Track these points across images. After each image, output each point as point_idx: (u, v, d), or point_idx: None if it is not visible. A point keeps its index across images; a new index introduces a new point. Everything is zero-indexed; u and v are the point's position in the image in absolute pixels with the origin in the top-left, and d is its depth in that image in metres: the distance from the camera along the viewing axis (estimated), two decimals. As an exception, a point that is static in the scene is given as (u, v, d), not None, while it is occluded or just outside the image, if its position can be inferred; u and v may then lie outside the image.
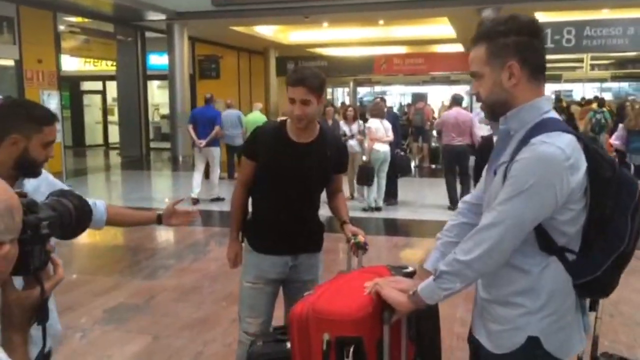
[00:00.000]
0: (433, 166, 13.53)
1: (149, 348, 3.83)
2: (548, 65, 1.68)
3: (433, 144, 13.65)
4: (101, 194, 10.47)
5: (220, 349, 3.78)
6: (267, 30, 17.65)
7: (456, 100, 8.83)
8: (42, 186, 1.92)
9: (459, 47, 18.78)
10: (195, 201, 8.89)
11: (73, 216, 1.25)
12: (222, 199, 8.98)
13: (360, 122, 9.17)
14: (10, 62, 11.91)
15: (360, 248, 2.50)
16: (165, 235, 7.20)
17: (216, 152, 9.53)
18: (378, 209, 8.30)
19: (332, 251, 6.11)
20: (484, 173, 1.85)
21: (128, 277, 5.47)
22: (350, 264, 2.67)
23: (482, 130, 8.05)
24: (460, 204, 1.92)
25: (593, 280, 1.58)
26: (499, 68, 1.59)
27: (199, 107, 11.47)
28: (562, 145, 1.50)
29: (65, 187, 1.29)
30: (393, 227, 8.02)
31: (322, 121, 8.74)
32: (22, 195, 1.03)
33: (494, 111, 1.67)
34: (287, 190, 2.54)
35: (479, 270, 1.59)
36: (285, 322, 2.45)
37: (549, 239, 1.57)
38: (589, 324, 1.73)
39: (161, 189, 12.16)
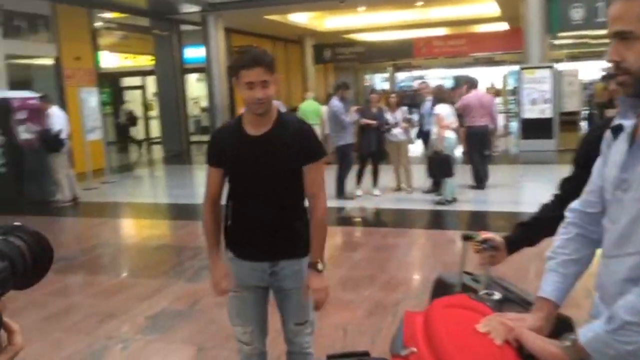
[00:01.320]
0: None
1: (193, 361, 3.58)
2: None
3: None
4: (145, 190, 10.38)
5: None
6: (301, 18, 17.29)
7: (473, 83, 9.00)
8: None
9: (504, 26, 18.02)
10: None
11: (27, 259, 0.93)
12: None
13: (404, 108, 8.75)
14: (49, 61, 11.93)
15: (484, 249, 1.97)
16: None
17: None
18: (454, 200, 7.80)
19: (390, 247, 5.81)
20: (594, 171, 1.47)
21: (172, 279, 5.24)
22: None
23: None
24: (568, 214, 1.54)
25: None
26: None
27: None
28: None
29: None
30: (476, 220, 7.30)
31: (365, 108, 8.42)
32: None
33: None
34: (252, 189, 2.34)
35: None
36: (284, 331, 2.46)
37: None
38: None
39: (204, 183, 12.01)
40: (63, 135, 8.72)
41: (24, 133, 9.01)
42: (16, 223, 0.99)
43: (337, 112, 8.20)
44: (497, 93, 21.91)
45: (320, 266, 2.34)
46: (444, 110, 7.65)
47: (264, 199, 2.33)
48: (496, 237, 2.01)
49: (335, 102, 8.35)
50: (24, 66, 12.13)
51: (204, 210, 2.44)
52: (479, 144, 8.58)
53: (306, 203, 2.43)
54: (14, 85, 10.28)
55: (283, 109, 10.98)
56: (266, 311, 2.50)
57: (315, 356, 2.57)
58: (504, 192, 8.64)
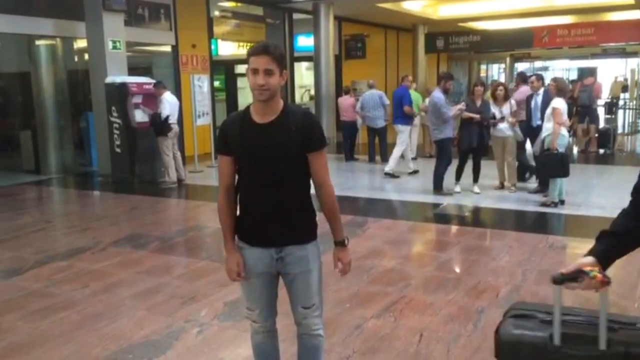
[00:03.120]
0: (602, 151, 11.99)
1: (262, 352, 3.56)
2: None
3: (602, 125, 12.06)
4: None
5: (337, 361, 3.41)
6: (415, 6, 16.80)
7: (523, 79, 8.75)
8: None
9: (636, 14, 16.44)
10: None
11: None
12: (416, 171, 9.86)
13: (512, 102, 8.22)
14: (167, 48, 12.57)
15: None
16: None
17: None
18: (562, 202, 7.25)
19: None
20: None
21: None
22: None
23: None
24: None
25: None
26: None
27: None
28: None
29: None
30: (582, 226, 6.57)
31: (469, 101, 8.00)
32: None
33: None
34: (258, 176, 2.43)
35: None
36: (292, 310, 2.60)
37: None
38: None
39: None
40: (171, 120, 9.14)
41: (139, 116, 9.57)
42: None
43: (438, 104, 7.87)
44: (624, 88, 20.13)
45: (346, 242, 2.57)
46: (562, 105, 7.08)
47: (269, 185, 2.42)
48: (586, 263, 1.75)
49: (438, 93, 8.02)
50: (143, 53, 12.90)
51: (219, 199, 2.54)
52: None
53: (312, 191, 2.53)
54: (133, 70, 10.95)
55: (386, 101, 11.00)
56: (274, 294, 2.63)
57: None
58: (620, 196, 7.85)
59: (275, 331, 2.74)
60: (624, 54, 23.25)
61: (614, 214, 6.57)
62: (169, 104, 9.15)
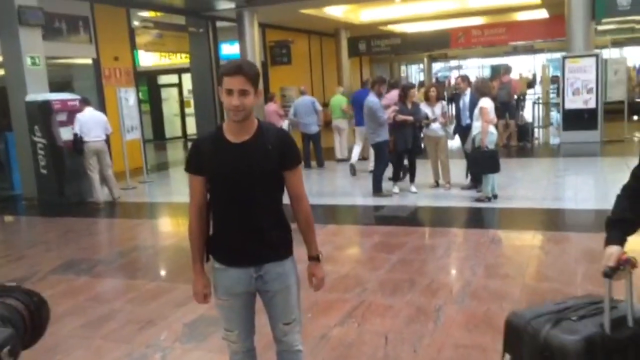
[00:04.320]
0: (521, 144, 12.65)
1: (231, 371, 3.52)
2: None
3: (521, 121, 12.74)
4: (182, 190, 10.42)
5: (309, 372, 3.41)
6: (337, 11, 17.11)
7: (392, 85, 9.56)
8: None
9: (543, 14, 17.47)
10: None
11: (27, 320, 0.96)
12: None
13: (443, 103, 8.53)
14: (88, 61, 12.10)
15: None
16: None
17: None
18: (495, 197, 7.55)
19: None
20: None
21: (208, 282, 5.22)
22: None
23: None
24: None
25: None
26: None
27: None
28: None
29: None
30: (518, 218, 6.95)
31: (400, 104, 8.21)
32: None
33: None
34: (233, 196, 2.40)
35: None
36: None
37: None
38: None
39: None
40: (87, 138, 8.77)
41: (65, 135, 9.15)
42: (10, 283, 0.94)
43: (373, 107, 8.04)
44: (529, 84, 21.32)
45: (320, 257, 2.57)
46: (488, 104, 7.42)
47: (245, 204, 2.41)
48: (619, 251, 1.98)
49: (372, 97, 8.20)
50: (64, 67, 12.35)
51: (190, 219, 2.50)
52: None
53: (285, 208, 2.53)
54: (54, 86, 10.45)
55: (319, 107, 11.08)
56: (252, 314, 2.61)
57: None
58: (546, 187, 8.35)
59: (254, 350, 2.72)
60: (532, 51, 24.61)
61: (543, 204, 7.03)
62: (79, 121, 8.77)
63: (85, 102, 9.16)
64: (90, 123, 8.89)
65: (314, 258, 2.57)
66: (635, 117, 15.54)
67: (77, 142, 8.80)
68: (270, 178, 2.40)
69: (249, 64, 2.35)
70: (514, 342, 2.08)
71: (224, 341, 2.68)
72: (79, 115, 8.86)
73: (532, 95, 20.72)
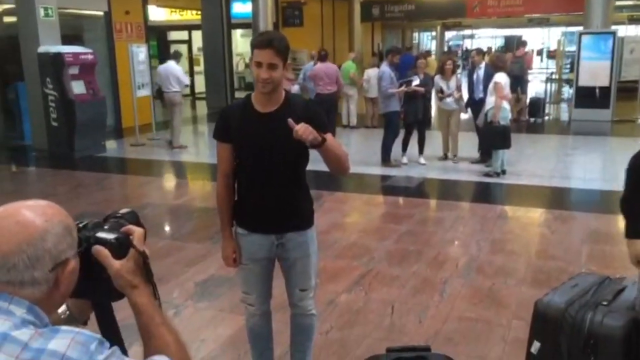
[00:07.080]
0: (532, 120, 12.60)
1: (241, 331, 3.61)
2: None
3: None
4: (191, 149, 10.45)
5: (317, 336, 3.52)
6: (353, -27, 16.81)
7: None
8: None
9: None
10: None
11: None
12: None
13: (458, 76, 8.47)
14: (99, 13, 11.97)
15: None
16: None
17: None
18: (504, 172, 7.55)
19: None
20: None
21: (217, 244, 5.29)
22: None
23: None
24: None
25: None
26: None
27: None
28: None
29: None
30: (525, 195, 7.01)
31: (412, 75, 8.15)
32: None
33: None
34: (261, 165, 2.46)
35: None
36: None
37: None
38: None
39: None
40: (164, 89, 9.97)
41: (77, 88, 9.15)
42: (124, 210, 1.24)
43: (382, 78, 8.01)
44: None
45: (326, 141, 2.32)
46: (503, 79, 7.38)
47: (270, 174, 2.46)
48: None
49: (384, 67, 8.15)
50: (74, 18, 12.21)
51: (218, 186, 2.57)
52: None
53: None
54: (65, 39, 10.37)
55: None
56: (271, 278, 2.70)
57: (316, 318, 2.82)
58: (555, 165, 8.36)
59: (270, 313, 2.82)
60: (547, 24, 24.23)
61: (551, 182, 7.04)
62: (158, 73, 10.06)
63: (174, 56, 10.29)
64: (164, 75, 9.69)
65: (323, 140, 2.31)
66: None
67: (159, 93, 9.92)
68: (295, 149, 2.40)
69: (279, 38, 2.36)
70: (549, 330, 2.16)
71: (241, 303, 2.78)
72: (158, 68, 10.08)
73: (543, 69, 20.50)
